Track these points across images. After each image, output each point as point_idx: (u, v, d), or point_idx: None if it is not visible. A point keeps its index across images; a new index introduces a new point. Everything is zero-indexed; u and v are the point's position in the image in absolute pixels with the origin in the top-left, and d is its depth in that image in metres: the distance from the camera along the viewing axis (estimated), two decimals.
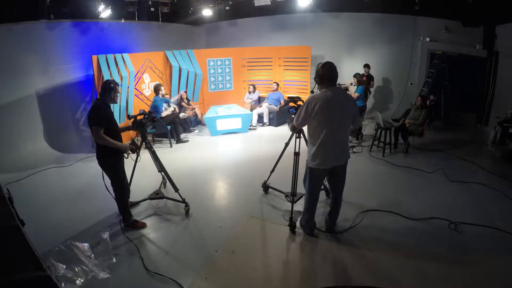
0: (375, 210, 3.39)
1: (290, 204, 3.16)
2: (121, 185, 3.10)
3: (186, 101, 7.00)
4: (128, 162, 3.48)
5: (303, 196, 3.28)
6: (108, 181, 3.06)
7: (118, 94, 3.04)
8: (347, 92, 2.99)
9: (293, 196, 3.21)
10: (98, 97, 3.04)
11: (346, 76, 7.42)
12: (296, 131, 2.96)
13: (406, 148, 5.20)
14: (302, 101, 3.12)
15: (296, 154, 3.09)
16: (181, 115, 6.59)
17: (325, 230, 3.03)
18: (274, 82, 7.32)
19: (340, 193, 2.93)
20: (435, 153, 5.19)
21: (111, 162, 2.98)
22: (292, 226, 3.06)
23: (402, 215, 3.28)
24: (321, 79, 2.59)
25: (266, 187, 3.87)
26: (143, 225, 3.24)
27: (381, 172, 4.55)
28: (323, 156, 2.62)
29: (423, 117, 5.07)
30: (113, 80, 3.01)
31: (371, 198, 3.69)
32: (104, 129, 2.83)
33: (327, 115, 2.52)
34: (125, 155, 3.08)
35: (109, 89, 2.94)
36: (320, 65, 2.62)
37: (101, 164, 2.99)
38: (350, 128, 2.75)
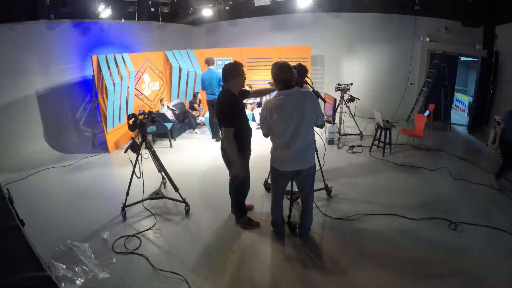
0: (374, 214, 3.36)
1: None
2: (241, 183, 2.93)
3: (198, 102, 7.14)
4: (128, 163, 3.48)
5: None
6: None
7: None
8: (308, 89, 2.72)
9: (291, 195, 3.18)
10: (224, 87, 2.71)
11: (347, 76, 7.43)
12: (267, 136, 2.59)
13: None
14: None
15: None
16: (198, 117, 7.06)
17: (298, 233, 2.94)
18: (268, 83, 7.33)
19: (306, 198, 2.75)
20: (435, 152, 5.18)
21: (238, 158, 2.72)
22: (290, 225, 3.05)
23: (402, 216, 3.27)
24: (273, 81, 2.44)
25: (267, 186, 3.87)
26: (257, 225, 3.12)
27: (381, 172, 4.55)
28: (281, 159, 2.53)
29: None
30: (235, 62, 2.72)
31: (372, 197, 3.70)
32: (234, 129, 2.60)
33: (282, 123, 2.38)
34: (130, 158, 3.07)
35: (237, 73, 2.64)
36: (274, 65, 2.44)
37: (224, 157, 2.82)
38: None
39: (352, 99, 5.85)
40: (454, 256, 2.67)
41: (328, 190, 3.75)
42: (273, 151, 2.57)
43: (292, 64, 2.76)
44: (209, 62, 5.81)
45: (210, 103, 5.84)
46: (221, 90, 2.80)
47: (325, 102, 3.47)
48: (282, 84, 2.40)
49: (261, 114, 2.48)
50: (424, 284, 2.38)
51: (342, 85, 5.75)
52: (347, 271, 2.53)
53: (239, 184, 2.96)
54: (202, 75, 5.88)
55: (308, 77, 3.21)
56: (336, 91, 5.83)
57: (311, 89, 2.90)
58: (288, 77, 2.40)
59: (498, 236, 2.93)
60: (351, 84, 5.90)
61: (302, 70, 3.13)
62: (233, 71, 2.68)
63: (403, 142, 5.26)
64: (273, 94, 2.57)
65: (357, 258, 2.68)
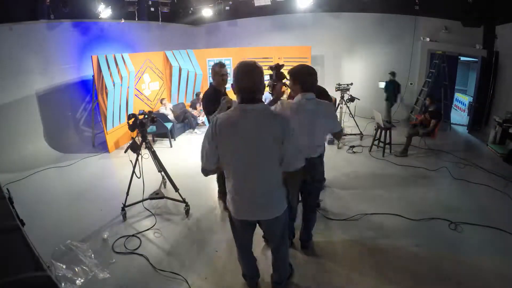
0: (374, 214, 3.36)
1: None
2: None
3: (200, 102, 7.16)
4: (128, 163, 3.47)
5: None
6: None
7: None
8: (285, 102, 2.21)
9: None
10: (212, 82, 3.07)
11: (347, 76, 7.42)
12: (207, 173, 1.80)
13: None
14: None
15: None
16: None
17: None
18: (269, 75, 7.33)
19: (276, 248, 2.10)
20: (435, 152, 5.18)
21: None
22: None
23: (402, 216, 3.27)
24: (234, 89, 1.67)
25: None
26: None
27: (381, 172, 4.55)
28: (234, 202, 1.81)
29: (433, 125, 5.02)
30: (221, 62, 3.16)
31: (372, 197, 3.70)
32: None
33: (232, 149, 1.65)
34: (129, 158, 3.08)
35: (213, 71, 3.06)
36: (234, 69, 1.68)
37: None
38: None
39: (352, 99, 5.85)
40: (454, 255, 2.67)
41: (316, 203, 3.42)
42: (228, 193, 1.85)
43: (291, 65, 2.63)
44: None
45: None
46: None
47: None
48: (241, 94, 1.63)
49: (205, 137, 1.69)
50: (424, 284, 2.38)
51: (342, 85, 5.75)
52: (346, 271, 2.53)
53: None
54: None
55: (287, 79, 2.66)
56: (336, 91, 5.83)
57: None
58: (249, 86, 1.60)
59: (498, 236, 2.93)
60: (351, 84, 5.91)
61: (279, 72, 2.91)
62: (212, 70, 3.12)
63: (403, 142, 5.26)
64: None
65: (357, 258, 2.68)
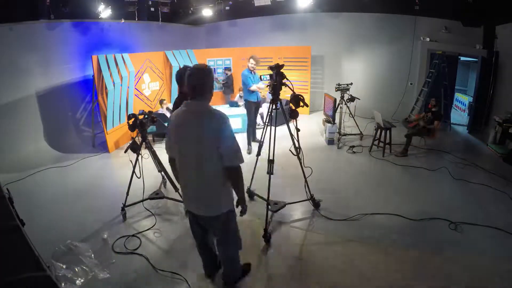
0: (375, 214, 3.36)
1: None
2: None
3: None
4: (128, 163, 3.47)
5: (285, 206, 3.29)
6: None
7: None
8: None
9: (268, 205, 3.00)
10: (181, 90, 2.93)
11: (347, 76, 7.42)
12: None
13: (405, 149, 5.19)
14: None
15: (271, 162, 2.91)
16: None
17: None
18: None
19: (219, 244, 2.19)
20: (435, 152, 5.18)
21: None
22: (266, 237, 2.87)
23: (402, 216, 3.27)
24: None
25: (250, 193, 3.63)
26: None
27: (382, 172, 4.55)
28: (182, 193, 2.09)
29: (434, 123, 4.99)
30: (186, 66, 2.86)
31: (372, 197, 3.70)
32: None
33: (176, 143, 1.88)
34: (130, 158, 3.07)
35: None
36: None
37: None
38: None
39: (352, 99, 5.85)
40: (454, 256, 2.67)
41: (314, 202, 3.45)
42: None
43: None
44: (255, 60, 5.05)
45: (252, 104, 5.24)
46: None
47: (296, 116, 3.00)
48: (188, 92, 1.83)
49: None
50: (423, 284, 2.38)
51: (342, 85, 5.74)
52: (345, 272, 2.53)
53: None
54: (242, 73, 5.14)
55: (287, 79, 3.00)
56: (336, 91, 5.82)
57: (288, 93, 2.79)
58: (192, 85, 1.79)
59: (498, 236, 2.93)
60: (351, 84, 5.90)
61: (279, 71, 2.95)
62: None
63: (403, 142, 5.25)
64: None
65: (357, 258, 2.68)
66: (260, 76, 3.41)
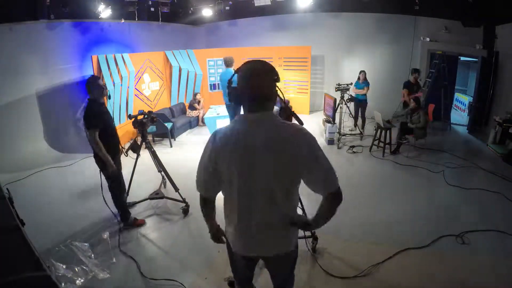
0: (384, 260, 2.67)
1: None
2: (118, 185, 3.09)
3: (197, 102, 7.15)
4: (128, 163, 3.47)
5: None
6: (105, 182, 3.04)
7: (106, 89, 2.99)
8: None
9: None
10: (90, 96, 3.02)
11: (347, 76, 7.42)
12: (206, 204, 1.56)
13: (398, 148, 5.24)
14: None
15: None
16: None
17: None
18: None
19: None
20: (435, 152, 5.18)
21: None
22: (231, 283, 2.37)
23: (411, 248, 2.82)
24: (235, 96, 1.35)
25: None
26: (142, 223, 3.25)
27: (382, 172, 4.55)
28: (232, 232, 1.49)
29: (423, 119, 4.99)
30: (94, 75, 2.96)
31: (372, 204, 3.68)
32: (99, 130, 2.82)
33: (234, 170, 1.30)
34: (124, 153, 3.08)
35: (98, 86, 2.93)
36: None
37: (97, 162, 2.97)
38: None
39: (352, 99, 5.85)
40: (471, 271, 2.53)
41: (313, 239, 2.78)
42: (226, 219, 1.54)
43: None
44: (227, 62, 5.07)
45: (229, 106, 5.24)
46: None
47: (301, 124, 1.67)
48: (248, 102, 1.30)
49: (202, 155, 1.41)
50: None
51: (342, 85, 5.74)
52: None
53: (115, 185, 3.05)
54: (220, 75, 5.32)
55: (278, 87, 2.44)
56: (336, 91, 5.83)
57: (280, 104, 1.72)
58: (258, 93, 1.27)
59: (502, 238, 2.91)
60: (351, 84, 5.91)
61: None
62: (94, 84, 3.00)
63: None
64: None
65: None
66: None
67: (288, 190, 1.34)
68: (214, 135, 1.34)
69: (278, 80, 1.29)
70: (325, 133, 5.83)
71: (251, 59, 1.32)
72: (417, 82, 5.99)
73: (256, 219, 1.36)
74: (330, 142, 5.68)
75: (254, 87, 1.26)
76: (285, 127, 1.29)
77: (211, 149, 1.33)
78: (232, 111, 5.15)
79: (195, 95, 7.26)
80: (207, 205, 1.52)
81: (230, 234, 1.49)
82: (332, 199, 1.31)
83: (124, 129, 5.81)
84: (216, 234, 1.62)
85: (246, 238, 1.43)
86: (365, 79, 6.11)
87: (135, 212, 3.46)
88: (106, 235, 3.01)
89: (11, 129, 5.08)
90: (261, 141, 1.25)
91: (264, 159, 1.25)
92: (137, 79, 6.19)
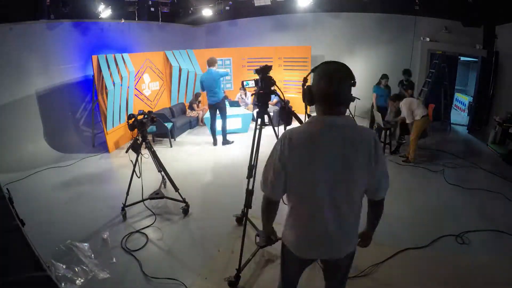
0: (385, 260, 2.65)
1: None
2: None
3: (197, 102, 7.15)
4: (128, 163, 3.47)
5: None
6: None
7: None
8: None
9: (256, 236, 2.55)
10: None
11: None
12: (270, 206, 1.49)
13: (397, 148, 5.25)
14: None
15: (250, 194, 2.51)
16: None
17: None
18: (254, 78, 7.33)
19: None
20: (435, 152, 5.18)
21: None
22: (231, 280, 2.36)
23: (411, 248, 2.82)
24: (309, 96, 1.34)
25: (239, 218, 3.19)
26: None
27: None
28: (297, 236, 1.46)
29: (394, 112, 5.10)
30: None
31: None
32: None
33: (308, 172, 1.31)
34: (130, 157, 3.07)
35: None
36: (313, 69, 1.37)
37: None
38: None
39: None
40: (471, 270, 2.54)
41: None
42: (288, 223, 1.49)
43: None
44: (209, 62, 5.52)
45: (211, 106, 5.64)
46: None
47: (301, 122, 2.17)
48: (323, 103, 1.31)
49: (270, 155, 1.40)
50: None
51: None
52: None
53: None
54: (201, 77, 5.68)
55: (277, 86, 2.44)
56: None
57: (277, 103, 1.97)
58: (338, 92, 1.28)
59: (504, 238, 2.91)
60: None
61: (267, 76, 2.40)
62: None
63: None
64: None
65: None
66: (242, 82, 2.88)
67: (360, 191, 1.37)
68: (286, 137, 1.33)
69: (354, 84, 1.29)
70: None
71: (330, 61, 1.34)
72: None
73: (332, 220, 1.36)
74: None
75: (335, 91, 1.27)
76: (357, 129, 1.32)
77: (283, 151, 1.32)
78: (214, 112, 5.69)
79: (195, 95, 7.26)
80: (271, 206, 1.49)
81: (296, 237, 1.47)
82: (381, 204, 1.44)
83: (124, 129, 5.81)
84: (270, 237, 1.63)
85: (319, 240, 1.42)
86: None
87: (135, 212, 3.47)
88: (106, 235, 3.02)
89: (11, 129, 5.08)
90: (339, 142, 1.27)
91: (341, 160, 1.28)
92: (137, 79, 6.19)
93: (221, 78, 5.68)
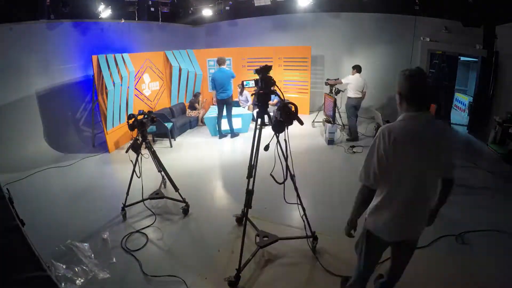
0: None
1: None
2: None
3: (198, 102, 7.16)
4: (129, 163, 3.47)
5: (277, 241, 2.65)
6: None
7: None
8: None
9: (256, 236, 2.58)
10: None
11: (347, 76, 7.42)
12: (365, 195, 1.67)
13: None
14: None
15: (249, 193, 2.52)
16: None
17: None
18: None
19: (398, 276, 1.96)
20: None
21: None
22: (231, 280, 2.37)
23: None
24: (401, 96, 1.59)
25: (239, 218, 3.20)
26: None
27: None
28: (389, 220, 1.64)
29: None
30: None
31: None
32: None
33: (409, 162, 1.53)
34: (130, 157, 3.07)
35: None
36: (404, 73, 1.58)
37: None
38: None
39: (338, 91, 6.10)
40: (471, 270, 2.53)
41: (314, 239, 2.74)
42: (377, 207, 1.66)
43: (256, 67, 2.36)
44: (220, 61, 5.92)
45: (222, 102, 5.94)
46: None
47: (302, 124, 2.40)
48: (414, 104, 1.55)
49: (371, 149, 1.58)
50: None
51: (330, 80, 6.07)
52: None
53: None
54: (213, 75, 5.96)
55: (277, 86, 2.51)
56: (326, 85, 5.99)
57: (276, 101, 2.18)
58: (425, 95, 1.57)
59: (504, 238, 2.90)
60: (337, 79, 6.06)
61: (267, 76, 2.43)
62: None
63: None
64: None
65: None
66: (243, 82, 3.00)
67: (439, 175, 1.65)
68: (385, 132, 1.53)
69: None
70: (325, 133, 5.83)
71: (410, 69, 1.57)
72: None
73: (421, 204, 1.62)
74: (330, 142, 5.67)
75: (427, 93, 1.59)
76: (438, 122, 1.60)
77: (386, 145, 1.51)
78: (222, 107, 6.00)
79: (196, 95, 7.26)
80: (372, 194, 1.66)
81: (387, 221, 1.64)
82: (450, 184, 1.71)
83: (124, 129, 5.81)
84: (350, 232, 1.83)
85: (409, 222, 1.65)
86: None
87: (135, 212, 3.47)
88: (106, 235, 3.02)
89: (11, 129, 5.08)
90: (431, 134, 1.52)
91: (434, 150, 1.53)
92: (137, 79, 6.19)
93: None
